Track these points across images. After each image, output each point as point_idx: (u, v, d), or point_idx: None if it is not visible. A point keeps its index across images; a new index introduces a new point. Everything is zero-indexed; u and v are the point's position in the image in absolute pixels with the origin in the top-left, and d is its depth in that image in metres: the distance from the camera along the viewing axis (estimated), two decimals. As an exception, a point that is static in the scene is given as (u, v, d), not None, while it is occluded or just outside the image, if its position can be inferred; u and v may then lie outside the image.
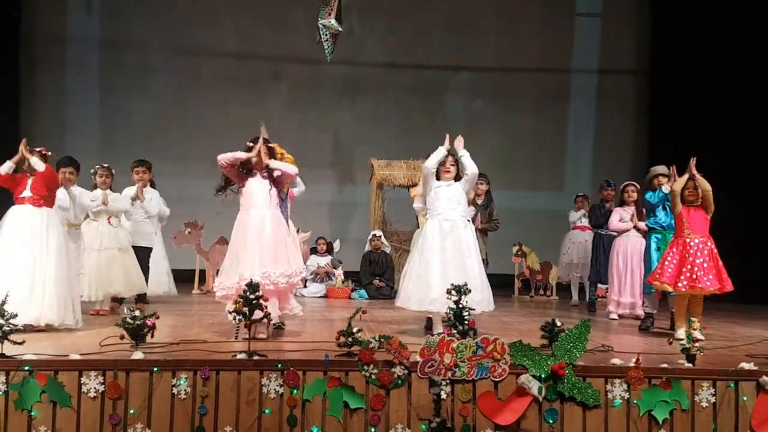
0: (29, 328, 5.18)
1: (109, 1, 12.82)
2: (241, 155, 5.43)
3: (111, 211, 7.15)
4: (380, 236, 10.43)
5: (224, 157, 5.41)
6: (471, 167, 5.72)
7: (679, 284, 5.70)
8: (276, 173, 5.53)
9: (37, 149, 5.81)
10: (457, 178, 5.81)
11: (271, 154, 5.57)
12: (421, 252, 5.66)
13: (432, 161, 5.75)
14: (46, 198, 5.73)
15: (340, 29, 9.49)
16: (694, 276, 5.65)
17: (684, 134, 11.70)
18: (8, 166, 5.70)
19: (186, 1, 12.82)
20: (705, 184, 5.85)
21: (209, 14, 12.86)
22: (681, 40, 12.09)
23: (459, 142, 5.78)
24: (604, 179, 8.96)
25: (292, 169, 5.63)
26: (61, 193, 6.28)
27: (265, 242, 5.33)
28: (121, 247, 7.16)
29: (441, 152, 5.76)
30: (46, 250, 5.54)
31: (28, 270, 5.42)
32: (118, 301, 7.34)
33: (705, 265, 5.68)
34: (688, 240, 5.78)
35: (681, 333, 5.70)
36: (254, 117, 12.00)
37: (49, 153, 5.92)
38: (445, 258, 5.54)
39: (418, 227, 9.27)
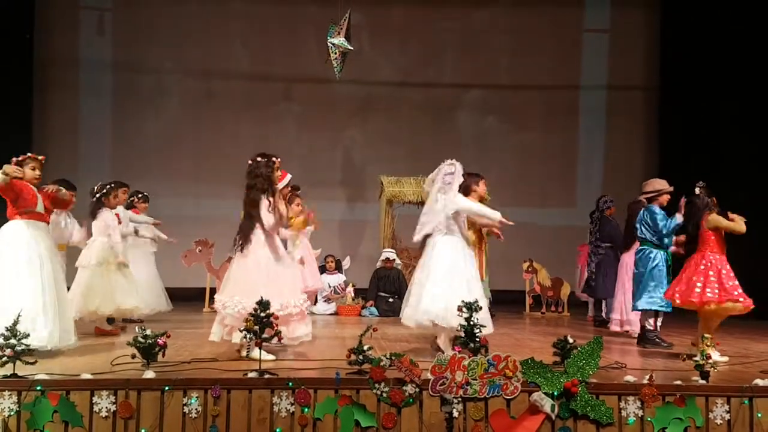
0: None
1: (122, 24, 12.94)
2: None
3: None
4: (393, 259, 10.41)
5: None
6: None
7: (741, 300, 5.63)
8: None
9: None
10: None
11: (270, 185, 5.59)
12: None
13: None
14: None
15: (350, 48, 9.56)
16: (736, 292, 5.66)
17: (695, 149, 11.69)
18: None
19: (198, 23, 12.93)
20: (739, 227, 5.78)
21: (221, 36, 12.97)
22: (690, 55, 12.08)
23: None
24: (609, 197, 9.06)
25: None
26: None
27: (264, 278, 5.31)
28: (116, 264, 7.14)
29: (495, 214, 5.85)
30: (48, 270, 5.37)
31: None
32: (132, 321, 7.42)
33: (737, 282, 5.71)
34: (720, 257, 5.79)
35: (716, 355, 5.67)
36: (266, 137, 12.32)
37: (40, 157, 5.55)
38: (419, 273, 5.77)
39: None
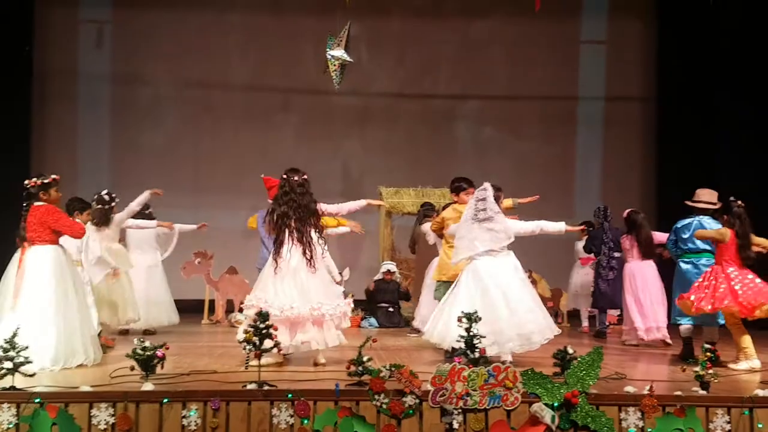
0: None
1: (120, 36, 12.96)
2: None
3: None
4: (394, 272, 10.40)
5: None
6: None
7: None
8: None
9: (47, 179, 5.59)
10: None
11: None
12: None
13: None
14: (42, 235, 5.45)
15: (350, 60, 9.59)
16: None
17: (692, 159, 11.70)
18: None
19: (196, 35, 12.95)
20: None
21: (219, 48, 12.98)
22: (687, 65, 12.12)
23: None
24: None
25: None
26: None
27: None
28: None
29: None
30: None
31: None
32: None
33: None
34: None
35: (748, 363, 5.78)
36: (265, 148, 12.33)
37: (56, 177, 5.64)
38: None
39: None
